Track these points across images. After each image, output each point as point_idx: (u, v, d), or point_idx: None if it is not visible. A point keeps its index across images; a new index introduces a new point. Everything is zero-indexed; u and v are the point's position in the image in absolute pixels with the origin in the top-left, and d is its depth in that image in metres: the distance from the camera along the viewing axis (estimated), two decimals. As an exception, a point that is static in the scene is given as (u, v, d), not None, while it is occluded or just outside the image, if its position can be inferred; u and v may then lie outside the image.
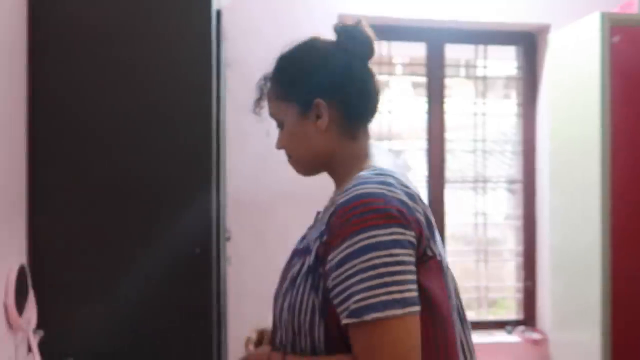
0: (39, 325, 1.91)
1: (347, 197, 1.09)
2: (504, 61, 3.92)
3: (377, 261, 1.03)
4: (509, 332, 3.47)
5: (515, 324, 3.53)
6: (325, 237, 1.10)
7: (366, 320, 1.02)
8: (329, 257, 1.08)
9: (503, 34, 3.54)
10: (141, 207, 1.98)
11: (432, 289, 1.10)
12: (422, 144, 3.50)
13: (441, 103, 3.47)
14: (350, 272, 1.03)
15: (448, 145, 3.52)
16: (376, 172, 1.15)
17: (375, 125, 3.36)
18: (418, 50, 3.53)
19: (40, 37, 1.96)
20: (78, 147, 1.97)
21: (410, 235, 1.06)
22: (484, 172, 3.63)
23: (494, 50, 3.62)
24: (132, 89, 1.98)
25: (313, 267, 1.12)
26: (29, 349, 1.86)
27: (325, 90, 1.19)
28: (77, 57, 1.97)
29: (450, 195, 3.57)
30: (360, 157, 1.23)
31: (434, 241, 1.13)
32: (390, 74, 3.71)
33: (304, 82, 1.21)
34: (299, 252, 1.21)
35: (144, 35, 1.99)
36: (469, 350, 1.21)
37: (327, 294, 1.09)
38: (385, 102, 3.46)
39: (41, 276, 1.94)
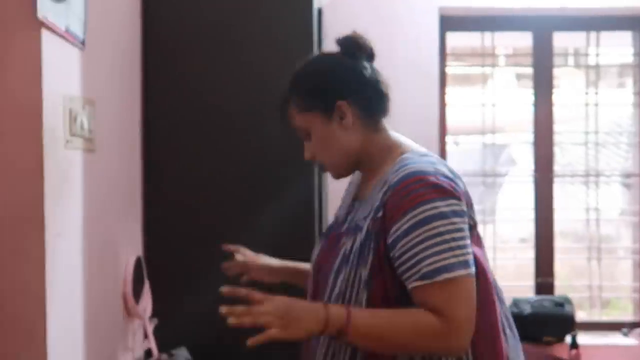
0: (154, 314, 2.02)
1: (401, 175, 1.21)
2: (617, 48, 3.70)
3: (441, 229, 1.15)
4: (625, 335, 3.27)
5: (632, 325, 3.32)
6: (380, 213, 1.21)
7: (437, 281, 1.14)
8: (392, 230, 1.18)
9: (617, 19, 3.33)
10: (246, 202, 2.04)
11: (477, 256, 1.24)
12: (528, 137, 3.37)
13: (549, 94, 3.32)
14: (417, 239, 1.15)
15: (557, 138, 3.36)
16: (419, 154, 1.28)
17: (477, 119, 3.30)
18: (523, 40, 3.39)
19: (153, 37, 2.06)
20: (187, 145, 2.06)
21: (462, 206, 1.20)
22: (596, 166, 3.45)
23: (607, 36, 3.42)
24: (238, 87, 2.04)
25: (363, 242, 1.23)
26: (145, 336, 1.97)
27: (342, 91, 1.30)
28: (186, 57, 2.06)
29: (559, 190, 3.41)
30: (391, 146, 1.33)
31: (474, 212, 1.28)
32: (494, 65, 3.60)
33: (322, 89, 1.31)
34: (346, 233, 1.31)
35: (248, 35, 2.04)
36: (507, 318, 1.31)
37: (374, 268, 1.20)
38: (489, 95, 3.37)
39: (155, 268, 2.05)
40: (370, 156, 1.33)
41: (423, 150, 1.32)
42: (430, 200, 1.16)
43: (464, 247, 1.17)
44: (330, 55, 1.37)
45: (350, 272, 1.23)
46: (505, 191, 4.08)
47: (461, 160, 3.45)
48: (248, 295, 1.21)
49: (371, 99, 1.32)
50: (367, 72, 1.32)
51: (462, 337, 1.16)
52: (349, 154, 1.33)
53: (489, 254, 3.06)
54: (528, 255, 3.34)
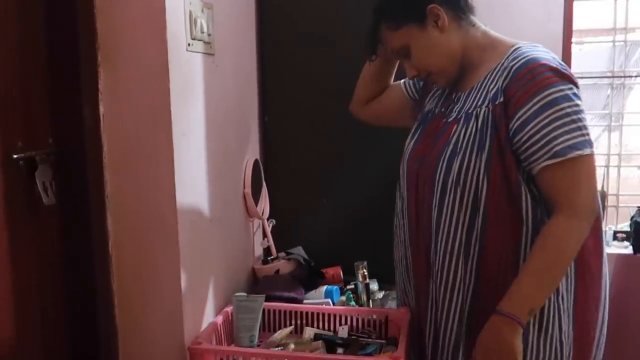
0: (271, 215, 2.11)
1: (522, 61, 1.25)
2: None
3: (568, 110, 1.21)
4: None
5: None
6: (500, 99, 1.26)
7: (569, 157, 1.20)
8: (519, 113, 1.23)
9: None
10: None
11: None
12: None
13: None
14: (547, 120, 1.20)
15: (698, 36, 3.04)
16: (530, 45, 1.32)
17: (606, 17, 3.01)
18: None
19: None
20: (302, 49, 2.05)
21: (579, 92, 1.25)
22: None
23: None
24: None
25: (480, 128, 1.28)
26: (264, 235, 2.07)
27: None
28: None
29: None
30: (494, 41, 1.36)
31: None
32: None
33: (410, 0, 1.34)
34: (456, 121, 1.33)
35: None
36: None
37: (492, 152, 1.25)
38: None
39: (272, 171, 2.12)
40: (471, 52, 1.37)
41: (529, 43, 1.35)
42: (556, 84, 1.21)
43: (587, 127, 1.23)
44: None
45: (465, 157, 1.28)
46: (636, 95, 3.78)
47: (585, 60, 3.21)
48: None
49: None
50: None
51: (589, 215, 1.22)
52: (454, 55, 1.36)
53: (614, 162, 2.90)
54: (656, 165, 3.14)
